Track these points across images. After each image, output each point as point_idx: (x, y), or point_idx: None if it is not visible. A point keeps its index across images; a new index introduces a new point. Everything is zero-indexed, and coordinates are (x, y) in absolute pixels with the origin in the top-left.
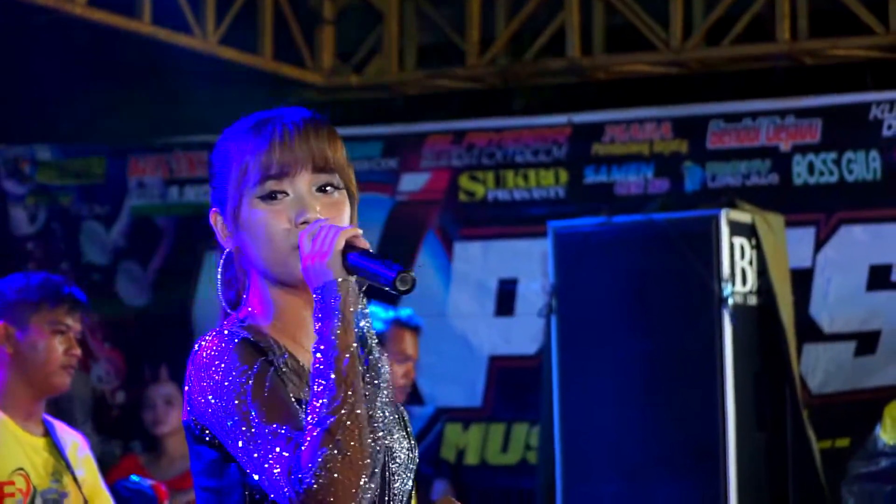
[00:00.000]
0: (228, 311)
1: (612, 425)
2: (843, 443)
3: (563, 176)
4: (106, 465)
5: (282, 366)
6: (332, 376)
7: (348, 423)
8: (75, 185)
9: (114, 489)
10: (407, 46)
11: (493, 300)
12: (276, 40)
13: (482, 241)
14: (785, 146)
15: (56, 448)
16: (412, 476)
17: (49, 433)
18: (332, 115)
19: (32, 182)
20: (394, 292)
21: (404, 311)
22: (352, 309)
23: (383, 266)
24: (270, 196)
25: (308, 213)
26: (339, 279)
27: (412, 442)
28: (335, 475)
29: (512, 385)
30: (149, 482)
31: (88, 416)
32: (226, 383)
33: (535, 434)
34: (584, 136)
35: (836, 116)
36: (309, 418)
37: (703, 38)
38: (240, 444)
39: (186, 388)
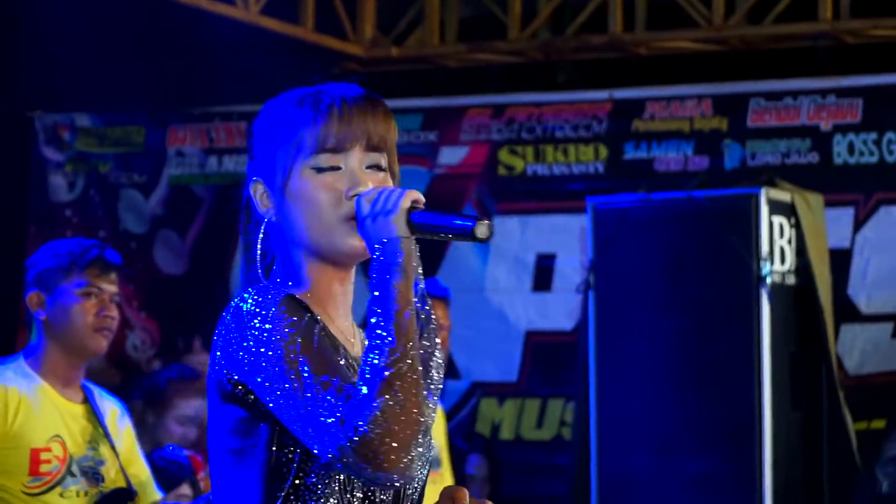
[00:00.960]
0: (262, 279)
1: (648, 402)
2: (878, 424)
3: (603, 152)
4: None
5: (321, 329)
6: (392, 329)
7: (407, 375)
8: (114, 153)
9: (150, 459)
10: (448, 19)
11: (530, 275)
12: (317, 11)
13: (520, 216)
14: (825, 125)
15: (94, 415)
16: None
17: (88, 400)
18: (373, 87)
19: (71, 149)
20: (473, 240)
21: (431, 282)
22: (414, 265)
23: (459, 217)
24: (325, 168)
25: (360, 188)
26: (403, 236)
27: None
28: (393, 426)
29: (548, 361)
30: (185, 452)
31: None
32: (273, 335)
33: (570, 410)
34: (624, 112)
35: (877, 96)
36: (366, 369)
37: (746, 15)
38: (286, 394)
39: (218, 343)
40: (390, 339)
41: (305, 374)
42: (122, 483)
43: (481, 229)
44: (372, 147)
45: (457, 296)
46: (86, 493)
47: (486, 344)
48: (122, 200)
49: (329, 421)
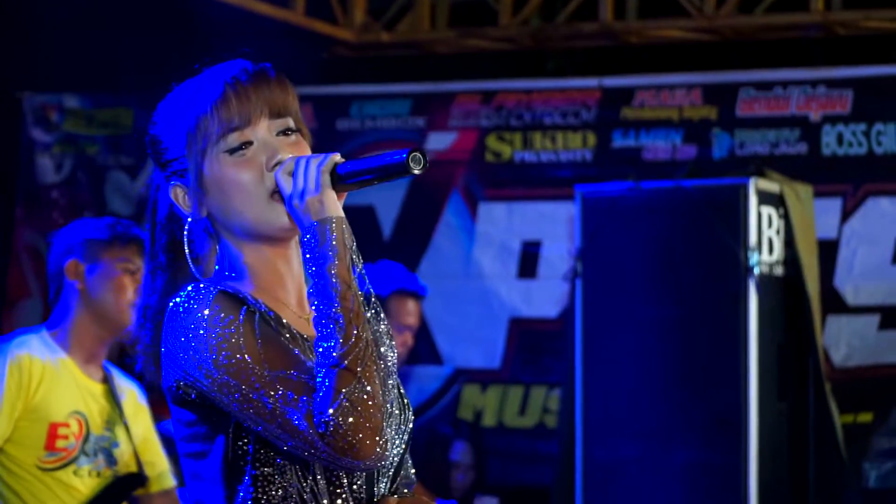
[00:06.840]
0: (198, 277)
1: (634, 392)
2: (865, 418)
3: (591, 139)
4: None
5: (268, 316)
6: (341, 314)
7: (366, 359)
8: (102, 136)
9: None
10: (439, 5)
11: (516, 262)
12: None
13: (507, 203)
14: (815, 116)
15: (113, 396)
16: (406, 438)
17: (108, 380)
18: (362, 71)
19: (59, 131)
20: (409, 174)
21: (409, 278)
22: (348, 244)
23: (389, 155)
24: (238, 148)
25: (279, 155)
26: (335, 216)
27: (405, 401)
28: (362, 413)
29: (531, 348)
30: None
31: None
32: (213, 336)
33: (553, 397)
34: (613, 100)
35: (867, 88)
36: (321, 359)
37: (737, 5)
38: (243, 396)
39: (162, 347)
40: (341, 325)
41: (259, 375)
42: (134, 468)
43: (413, 161)
44: (276, 114)
45: (441, 281)
46: (98, 474)
47: (470, 330)
48: (109, 183)
49: (296, 419)
